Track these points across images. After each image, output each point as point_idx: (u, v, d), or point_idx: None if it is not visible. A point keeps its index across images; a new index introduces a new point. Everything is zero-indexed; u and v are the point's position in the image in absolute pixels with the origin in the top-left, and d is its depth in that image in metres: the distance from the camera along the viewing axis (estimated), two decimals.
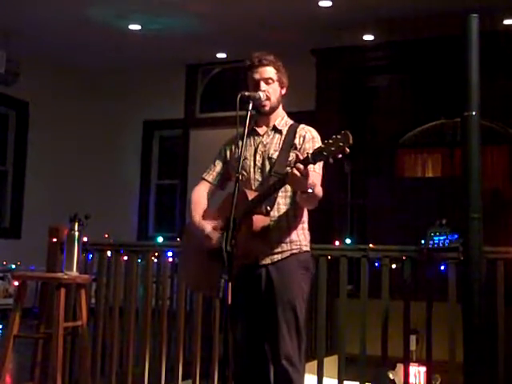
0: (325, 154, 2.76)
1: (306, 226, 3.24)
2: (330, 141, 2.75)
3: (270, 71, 3.20)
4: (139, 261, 4.90)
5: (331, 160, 2.77)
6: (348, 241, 4.69)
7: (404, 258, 4.23)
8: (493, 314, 3.94)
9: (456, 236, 4.00)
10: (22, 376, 4.98)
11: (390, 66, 8.71)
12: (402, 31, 7.89)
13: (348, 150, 2.72)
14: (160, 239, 4.95)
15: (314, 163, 2.85)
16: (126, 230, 9.77)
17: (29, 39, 8.78)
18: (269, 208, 3.04)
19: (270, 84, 3.20)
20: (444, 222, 4.12)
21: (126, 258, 4.90)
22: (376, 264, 4.37)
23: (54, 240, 4.85)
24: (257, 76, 3.19)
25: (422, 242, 4.13)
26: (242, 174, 3.15)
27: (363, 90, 8.97)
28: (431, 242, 4.08)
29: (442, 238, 4.06)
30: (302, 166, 2.79)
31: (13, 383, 5.08)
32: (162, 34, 8.63)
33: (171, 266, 4.92)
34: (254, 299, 3.14)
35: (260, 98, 3.13)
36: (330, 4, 7.53)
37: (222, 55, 9.64)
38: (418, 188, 7.85)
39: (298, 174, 2.79)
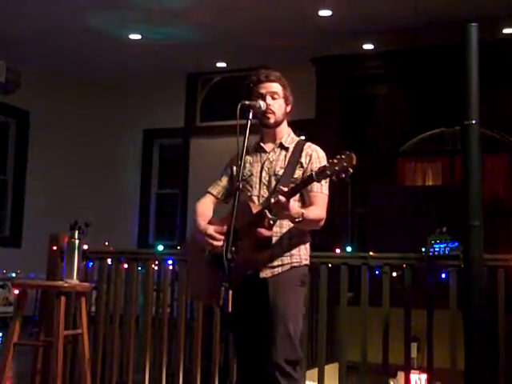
0: (328, 172, 2.82)
1: (307, 241, 3.28)
2: (335, 160, 2.82)
3: (276, 87, 3.25)
4: (139, 269, 4.90)
5: (335, 178, 2.83)
6: (349, 249, 4.68)
7: (404, 265, 4.23)
8: (493, 321, 3.94)
9: (456, 244, 4.01)
10: None
11: (389, 75, 8.73)
12: (401, 40, 7.91)
13: (351, 170, 2.77)
14: (160, 247, 4.95)
15: (318, 181, 2.93)
16: (127, 238, 9.77)
17: (29, 48, 8.80)
18: (272, 222, 3.06)
19: (276, 99, 3.24)
20: (444, 229, 4.13)
21: (126, 265, 4.90)
22: (376, 272, 4.37)
23: (54, 248, 4.85)
24: (263, 90, 3.23)
25: (423, 249, 4.13)
26: (248, 189, 3.21)
27: (363, 98, 8.98)
28: (432, 250, 4.09)
29: (442, 245, 4.07)
30: (282, 199, 2.88)
31: None
32: (162, 43, 8.65)
33: (171, 273, 4.92)
34: (253, 310, 3.16)
35: (260, 106, 3.15)
36: (329, 13, 7.55)
37: (221, 64, 9.66)
38: (418, 196, 7.86)
39: (279, 204, 2.89)
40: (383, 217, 7.78)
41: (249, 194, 3.21)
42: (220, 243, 3.09)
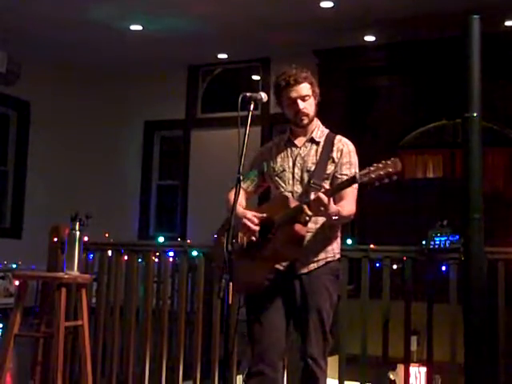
0: (372, 176, 2.83)
1: (339, 234, 3.32)
2: (380, 165, 2.84)
3: (305, 88, 3.25)
4: (140, 260, 4.90)
5: (377, 183, 2.82)
6: (349, 241, 4.67)
7: (405, 258, 4.23)
8: (493, 314, 3.94)
9: (457, 237, 4.01)
10: (23, 375, 4.98)
11: (391, 67, 8.71)
12: (403, 32, 7.90)
13: (396, 177, 2.77)
14: (161, 239, 4.95)
15: (360, 183, 2.92)
16: (127, 229, 9.78)
17: (30, 39, 8.78)
18: (307, 218, 3.06)
19: (307, 100, 3.25)
20: (445, 222, 4.13)
21: (126, 257, 4.90)
22: (377, 264, 4.37)
23: (55, 239, 4.86)
24: (294, 94, 3.23)
25: (423, 242, 4.13)
26: (281, 185, 3.25)
27: (364, 90, 8.97)
28: (432, 243, 4.09)
29: (442, 238, 4.07)
30: (323, 197, 2.88)
31: (13, 383, 5.08)
32: (163, 34, 8.63)
33: (172, 265, 4.93)
34: (287, 304, 3.22)
35: (262, 98, 3.13)
36: (331, 5, 7.53)
37: (223, 56, 9.64)
38: (419, 189, 7.85)
39: (319, 202, 2.89)
40: (384, 209, 7.78)
41: (282, 189, 3.24)
42: (257, 228, 3.12)
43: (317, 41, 8.33)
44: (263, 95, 3.14)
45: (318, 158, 3.23)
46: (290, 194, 3.20)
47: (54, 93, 9.85)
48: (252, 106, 3.07)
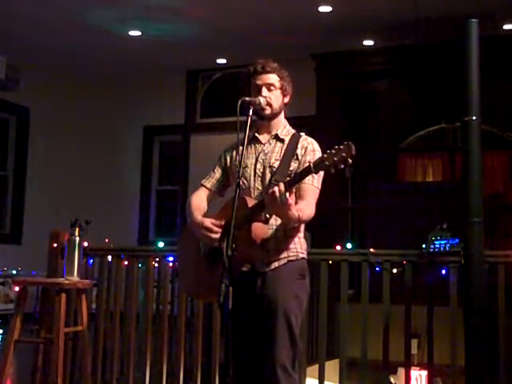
0: (327, 163, 2.75)
1: (301, 235, 3.22)
2: (333, 151, 2.75)
3: (273, 78, 3.21)
4: (140, 266, 4.90)
5: (333, 170, 2.76)
6: (349, 245, 4.68)
7: (405, 262, 4.24)
8: (494, 317, 3.94)
9: (457, 240, 4.01)
10: (23, 381, 4.98)
11: (389, 71, 8.72)
12: (402, 36, 7.90)
13: (350, 160, 2.72)
14: (161, 244, 4.95)
15: (316, 173, 2.86)
16: (127, 235, 9.77)
17: (29, 45, 8.79)
18: (268, 216, 3.02)
19: (272, 90, 3.20)
20: (445, 226, 4.13)
21: (126, 262, 4.91)
22: (377, 268, 4.37)
23: (55, 245, 4.86)
24: (259, 82, 3.19)
25: (423, 246, 4.13)
26: (242, 182, 3.14)
27: (363, 94, 8.97)
28: (432, 247, 4.09)
29: (442, 242, 4.07)
30: (277, 190, 2.80)
31: None
32: (162, 39, 8.63)
33: (172, 270, 4.93)
34: (250, 306, 3.13)
35: (260, 103, 3.13)
36: (329, 9, 7.54)
37: (222, 61, 9.65)
38: (418, 192, 7.85)
39: (275, 199, 2.80)
40: (383, 213, 7.78)
41: (243, 186, 3.14)
42: (217, 236, 3.04)
43: (315, 45, 8.34)
44: (262, 100, 3.14)
45: (281, 154, 3.17)
46: (250, 191, 3.13)
47: (54, 98, 9.85)
48: (251, 111, 3.07)
